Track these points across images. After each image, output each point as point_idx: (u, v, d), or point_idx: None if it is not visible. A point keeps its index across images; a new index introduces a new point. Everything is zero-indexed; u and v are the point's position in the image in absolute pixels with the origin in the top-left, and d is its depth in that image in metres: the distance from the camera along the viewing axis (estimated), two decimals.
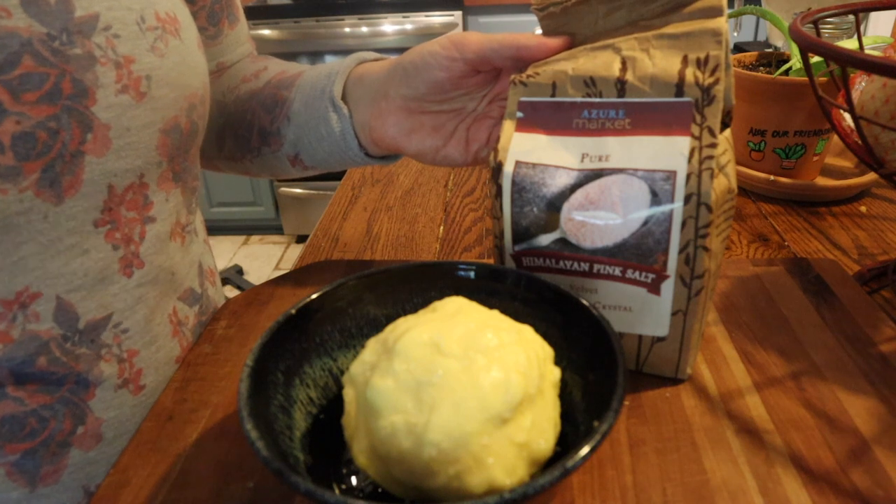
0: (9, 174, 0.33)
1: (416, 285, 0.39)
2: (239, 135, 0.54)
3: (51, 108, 0.34)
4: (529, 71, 0.39)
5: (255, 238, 2.67)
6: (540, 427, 0.29)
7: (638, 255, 0.35)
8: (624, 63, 0.36)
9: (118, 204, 0.39)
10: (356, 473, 0.33)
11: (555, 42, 0.39)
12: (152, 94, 0.38)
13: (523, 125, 0.39)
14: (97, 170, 0.37)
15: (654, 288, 0.36)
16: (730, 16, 0.59)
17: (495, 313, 0.33)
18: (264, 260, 2.50)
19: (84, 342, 0.39)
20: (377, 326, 0.38)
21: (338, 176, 2.11)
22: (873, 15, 1.52)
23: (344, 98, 0.48)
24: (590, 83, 0.37)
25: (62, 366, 0.38)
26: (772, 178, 0.66)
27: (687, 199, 0.33)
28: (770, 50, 0.76)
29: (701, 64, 0.34)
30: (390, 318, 0.38)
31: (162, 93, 0.39)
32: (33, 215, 0.35)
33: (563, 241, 0.37)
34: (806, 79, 0.61)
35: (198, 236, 0.50)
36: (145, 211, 0.41)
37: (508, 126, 0.39)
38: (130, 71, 0.37)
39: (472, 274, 0.38)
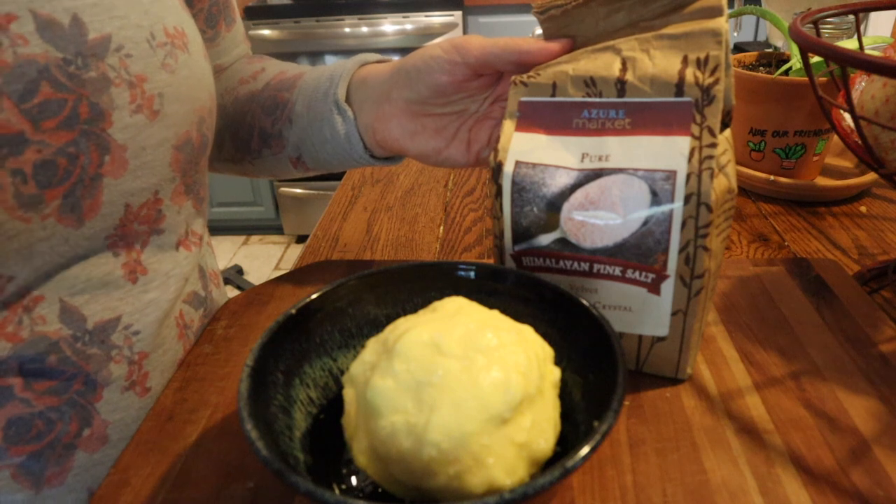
0: (32, 203, 0.33)
1: (416, 285, 0.39)
2: (238, 137, 0.54)
3: (69, 134, 0.34)
4: (530, 71, 0.39)
5: (255, 238, 2.67)
6: (540, 427, 0.29)
7: (638, 255, 0.35)
8: (624, 63, 0.36)
9: (132, 220, 0.39)
10: (356, 473, 0.33)
11: (556, 46, 0.39)
12: (165, 112, 0.39)
13: (523, 125, 0.39)
14: (115, 191, 0.37)
15: (654, 288, 0.36)
16: (730, 16, 0.59)
17: (495, 313, 0.33)
18: (264, 260, 2.50)
19: (94, 342, 0.39)
20: (377, 326, 0.38)
21: (338, 176, 2.11)
22: (873, 15, 1.52)
23: (347, 100, 0.48)
24: (590, 83, 0.37)
25: (72, 365, 0.38)
26: (772, 178, 0.66)
27: (687, 199, 0.33)
28: (770, 50, 0.76)
29: (701, 64, 0.34)
30: (390, 318, 0.38)
31: (174, 109, 0.39)
32: (55, 240, 0.35)
33: (563, 241, 0.37)
34: (806, 79, 0.61)
35: (201, 240, 0.50)
36: (157, 224, 0.42)
37: (508, 126, 0.39)
38: (143, 90, 0.37)
39: (472, 274, 0.38)
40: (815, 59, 0.60)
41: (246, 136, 0.53)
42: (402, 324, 0.32)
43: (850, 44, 0.64)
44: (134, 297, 0.41)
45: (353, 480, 0.33)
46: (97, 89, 0.34)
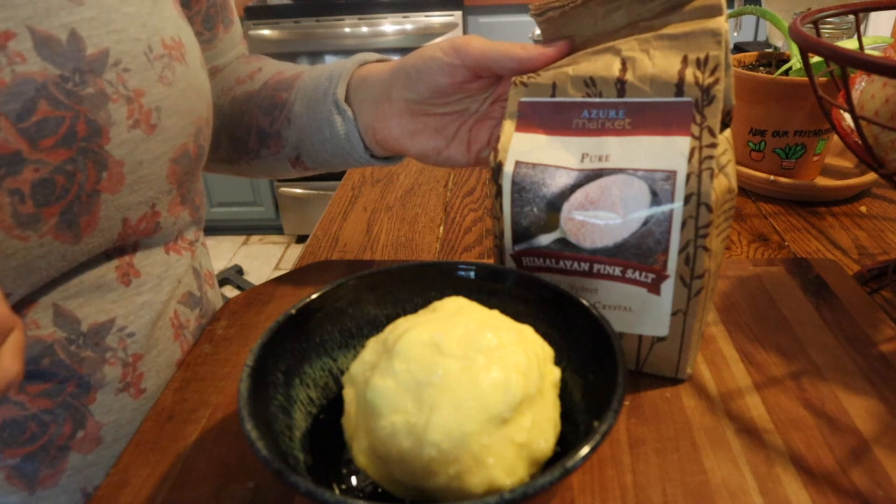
0: (29, 222, 0.33)
1: (416, 285, 0.39)
2: (236, 137, 0.54)
3: (67, 152, 0.34)
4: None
5: (255, 238, 2.67)
6: (540, 427, 0.29)
7: (638, 255, 0.35)
8: (624, 63, 0.36)
9: (130, 234, 0.39)
10: (356, 473, 0.33)
11: (554, 51, 0.39)
12: (162, 125, 0.38)
13: (523, 125, 0.39)
14: (112, 206, 0.37)
15: (654, 288, 0.36)
16: (730, 16, 0.59)
17: (495, 313, 0.33)
18: (264, 260, 2.50)
19: (89, 345, 0.39)
20: (377, 326, 0.38)
21: (338, 176, 2.11)
22: (873, 15, 1.52)
23: (347, 100, 0.48)
24: (590, 83, 0.37)
25: (65, 368, 0.38)
26: (772, 178, 0.66)
27: (687, 199, 0.33)
28: (770, 50, 0.76)
29: (701, 64, 0.34)
30: (390, 318, 0.38)
31: (171, 122, 0.39)
32: (53, 257, 0.35)
33: (563, 241, 0.37)
34: (806, 79, 0.61)
35: (192, 245, 0.50)
36: (154, 234, 0.42)
37: (508, 126, 0.39)
38: (141, 105, 0.37)
39: (472, 274, 0.38)
40: (815, 59, 0.60)
41: (243, 136, 0.53)
42: (402, 324, 0.32)
43: (850, 44, 0.64)
44: (127, 300, 0.41)
45: (353, 480, 0.33)
46: (95, 105, 0.34)
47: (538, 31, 0.42)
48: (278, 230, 2.65)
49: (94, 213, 0.36)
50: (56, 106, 0.33)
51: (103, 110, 0.35)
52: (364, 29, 2.15)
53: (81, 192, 0.35)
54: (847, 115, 0.64)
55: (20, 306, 0.36)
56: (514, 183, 0.38)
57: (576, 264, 0.37)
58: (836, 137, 0.71)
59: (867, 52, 0.42)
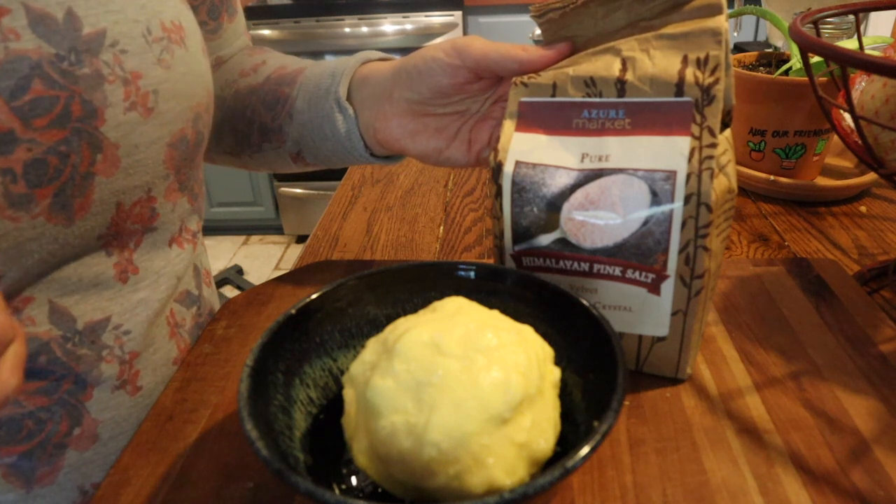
0: (21, 202, 0.33)
1: (416, 285, 0.39)
2: (238, 130, 0.54)
3: (61, 133, 0.33)
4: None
5: (255, 238, 2.67)
6: (540, 427, 0.29)
7: (638, 255, 0.35)
8: (624, 63, 0.36)
9: (124, 219, 0.39)
10: (356, 473, 0.33)
11: (555, 52, 0.39)
12: (159, 109, 0.38)
13: (523, 125, 0.39)
14: (106, 189, 0.36)
15: (654, 288, 0.36)
16: (730, 16, 0.59)
17: (495, 313, 0.33)
18: (264, 260, 2.50)
19: (85, 343, 0.39)
20: (377, 326, 0.38)
21: (338, 176, 2.11)
22: (873, 15, 1.52)
23: (349, 98, 0.48)
24: (590, 83, 0.37)
25: (62, 366, 0.38)
26: (772, 178, 0.66)
27: (687, 199, 0.33)
28: (770, 50, 0.76)
29: (701, 64, 0.34)
30: (390, 318, 0.38)
31: (169, 106, 0.39)
32: (45, 240, 0.35)
33: (563, 241, 0.37)
34: (806, 79, 0.61)
35: (195, 237, 0.50)
36: (150, 222, 0.41)
37: (508, 126, 0.39)
38: (138, 87, 0.36)
39: (472, 274, 0.38)
40: (815, 59, 0.60)
41: (246, 129, 0.53)
42: (402, 324, 0.32)
43: (850, 44, 0.64)
44: (124, 297, 0.40)
45: (353, 480, 0.33)
46: (90, 86, 0.34)
47: (538, 32, 0.42)
48: (278, 230, 2.65)
49: (88, 196, 0.35)
50: (50, 85, 0.32)
51: (99, 91, 0.34)
52: (364, 29, 2.15)
53: (75, 174, 0.34)
54: (847, 115, 0.64)
55: (18, 303, 0.36)
56: (514, 183, 0.38)
57: (576, 264, 0.37)
58: (836, 137, 0.71)
59: (867, 52, 0.42)
